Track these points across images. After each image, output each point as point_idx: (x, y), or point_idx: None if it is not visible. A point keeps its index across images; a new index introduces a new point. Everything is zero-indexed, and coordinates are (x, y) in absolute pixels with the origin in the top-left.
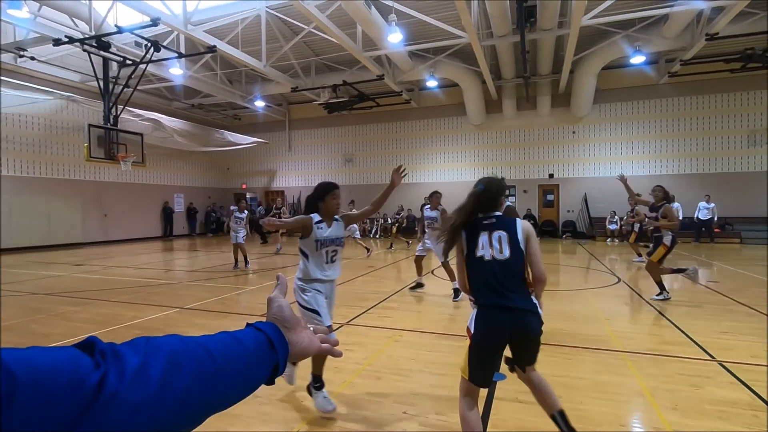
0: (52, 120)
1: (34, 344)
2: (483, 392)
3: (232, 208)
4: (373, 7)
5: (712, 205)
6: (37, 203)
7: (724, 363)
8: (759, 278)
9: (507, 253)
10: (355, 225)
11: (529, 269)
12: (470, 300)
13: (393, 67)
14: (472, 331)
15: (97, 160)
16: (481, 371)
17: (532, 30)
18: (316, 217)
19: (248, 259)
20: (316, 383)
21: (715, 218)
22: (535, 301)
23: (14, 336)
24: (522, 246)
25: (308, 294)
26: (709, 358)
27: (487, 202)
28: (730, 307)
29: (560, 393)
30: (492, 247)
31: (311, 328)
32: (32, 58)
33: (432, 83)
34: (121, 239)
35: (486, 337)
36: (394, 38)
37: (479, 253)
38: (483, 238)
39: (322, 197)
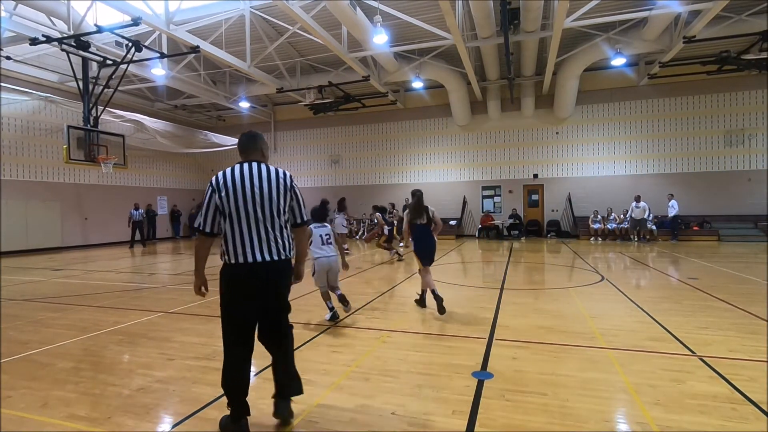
0: (30, 121)
1: (12, 352)
2: (470, 391)
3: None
4: (358, 8)
5: (673, 202)
6: (14, 207)
7: (704, 358)
8: (736, 275)
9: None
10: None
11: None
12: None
13: (378, 68)
14: (417, 250)
15: (76, 162)
16: (426, 260)
17: (516, 32)
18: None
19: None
20: None
21: (664, 215)
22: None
23: None
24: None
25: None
26: (690, 354)
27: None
28: (709, 303)
29: (547, 390)
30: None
31: None
32: (8, 58)
33: (418, 84)
34: (102, 243)
35: (424, 251)
36: (380, 39)
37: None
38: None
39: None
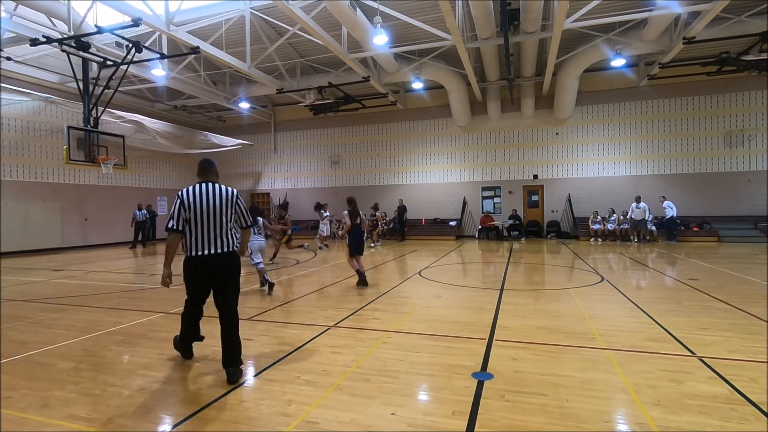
0: (30, 122)
1: (12, 352)
2: (470, 392)
3: None
4: (358, 9)
5: (669, 203)
6: (14, 207)
7: (703, 358)
8: (736, 275)
9: (359, 221)
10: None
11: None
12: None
13: (378, 69)
14: (352, 244)
15: (76, 162)
16: (358, 251)
17: (516, 33)
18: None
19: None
20: None
21: (650, 217)
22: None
23: None
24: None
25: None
26: (690, 354)
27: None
28: (709, 303)
29: (546, 391)
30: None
31: None
32: (8, 59)
33: (417, 85)
34: (102, 243)
35: (358, 244)
36: (380, 40)
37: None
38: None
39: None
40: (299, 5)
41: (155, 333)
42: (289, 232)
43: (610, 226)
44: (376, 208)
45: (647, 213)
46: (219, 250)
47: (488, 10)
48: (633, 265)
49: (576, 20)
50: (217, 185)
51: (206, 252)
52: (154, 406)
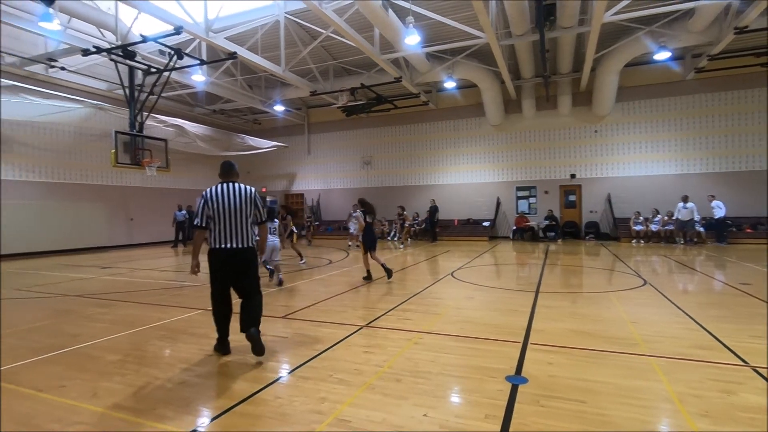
0: (82, 127)
1: (64, 344)
2: (504, 396)
3: None
4: (390, 9)
5: (718, 203)
6: (65, 208)
7: (757, 368)
8: None
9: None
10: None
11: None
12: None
13: (410, 69)
14: (366, 240)
15: (123, 165)
16: (372, 248)
17: (552, 28)
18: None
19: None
20: None
21: (698, 218)
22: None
23: (46, 336)
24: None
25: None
26: (742, 364)
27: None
28: (763, 310)
29: (582, 397)
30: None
31: None
32: (62, 68)
33: (450, 84)
34: (145, 242)
35: (371, 238)
36: (412, 40)
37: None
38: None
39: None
40: (332, 7)
41: (195, 329)
42: (295, 230)
43: (653, 227)
44: (402, 209)
45: (695, 213)
46: (240, 245)
47: (522, 6)
48: (679, 268)
49: (616, 13)
50: (237, 184)
51: (228, 245)
52: (193, 399)
